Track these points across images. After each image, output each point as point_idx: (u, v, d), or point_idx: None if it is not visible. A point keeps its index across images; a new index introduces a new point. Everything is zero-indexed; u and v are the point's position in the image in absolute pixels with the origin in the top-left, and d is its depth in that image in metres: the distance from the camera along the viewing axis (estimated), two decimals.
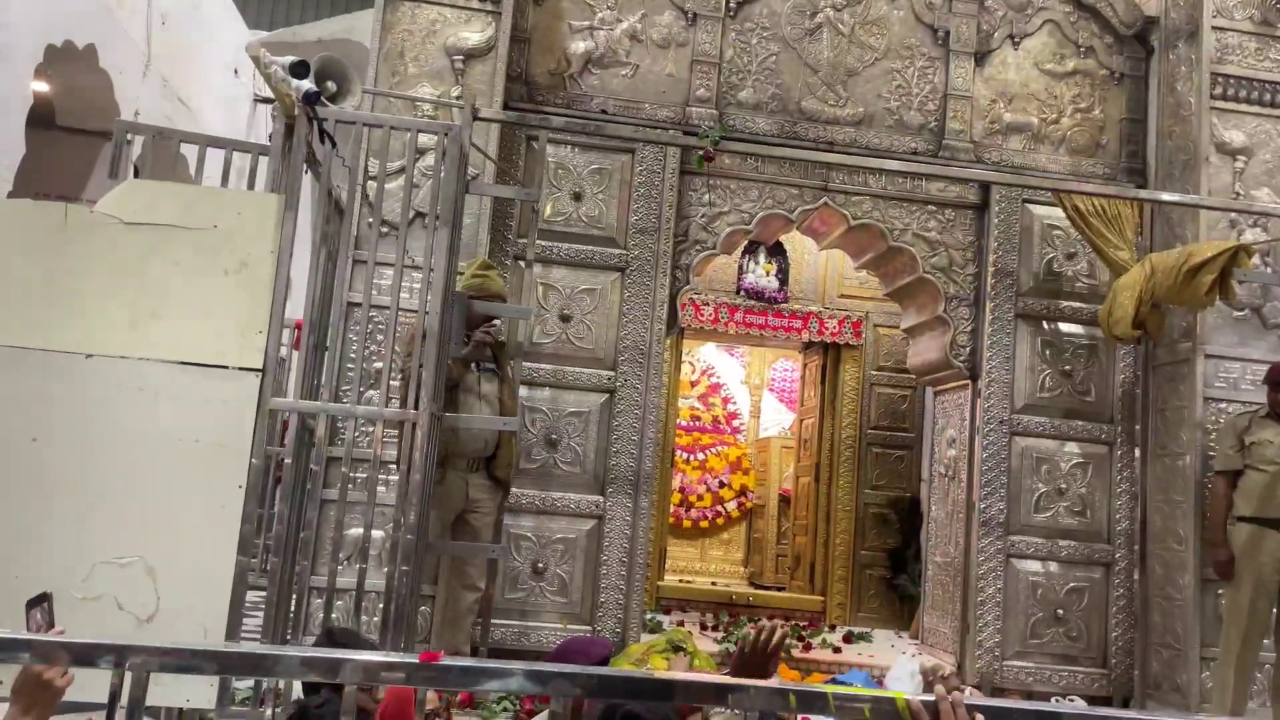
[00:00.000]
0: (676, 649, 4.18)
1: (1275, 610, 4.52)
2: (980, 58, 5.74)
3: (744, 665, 1.88)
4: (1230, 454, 4.69)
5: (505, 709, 4.11)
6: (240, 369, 3.43)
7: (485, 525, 4.45)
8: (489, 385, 4.42)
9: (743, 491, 9.83)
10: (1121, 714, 3.62)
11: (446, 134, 3.71)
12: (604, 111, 5.41)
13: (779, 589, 8.22)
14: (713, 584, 8.59)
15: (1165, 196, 5.16)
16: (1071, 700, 5.14)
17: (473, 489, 4.37)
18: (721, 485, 9.86)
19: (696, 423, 10.32)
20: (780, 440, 9.79)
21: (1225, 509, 4.66)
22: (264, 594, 3.65)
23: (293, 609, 3.75)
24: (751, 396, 10.79)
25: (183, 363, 3.40)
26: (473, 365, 4.37)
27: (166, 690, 3.24)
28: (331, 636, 3.15)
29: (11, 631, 1.72)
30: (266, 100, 8.96)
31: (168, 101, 8.36)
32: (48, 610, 2.09)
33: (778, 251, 7.53)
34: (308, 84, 3.24)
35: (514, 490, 4.81)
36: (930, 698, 1.48)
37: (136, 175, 5.61)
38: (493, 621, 4.84)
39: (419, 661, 1.49)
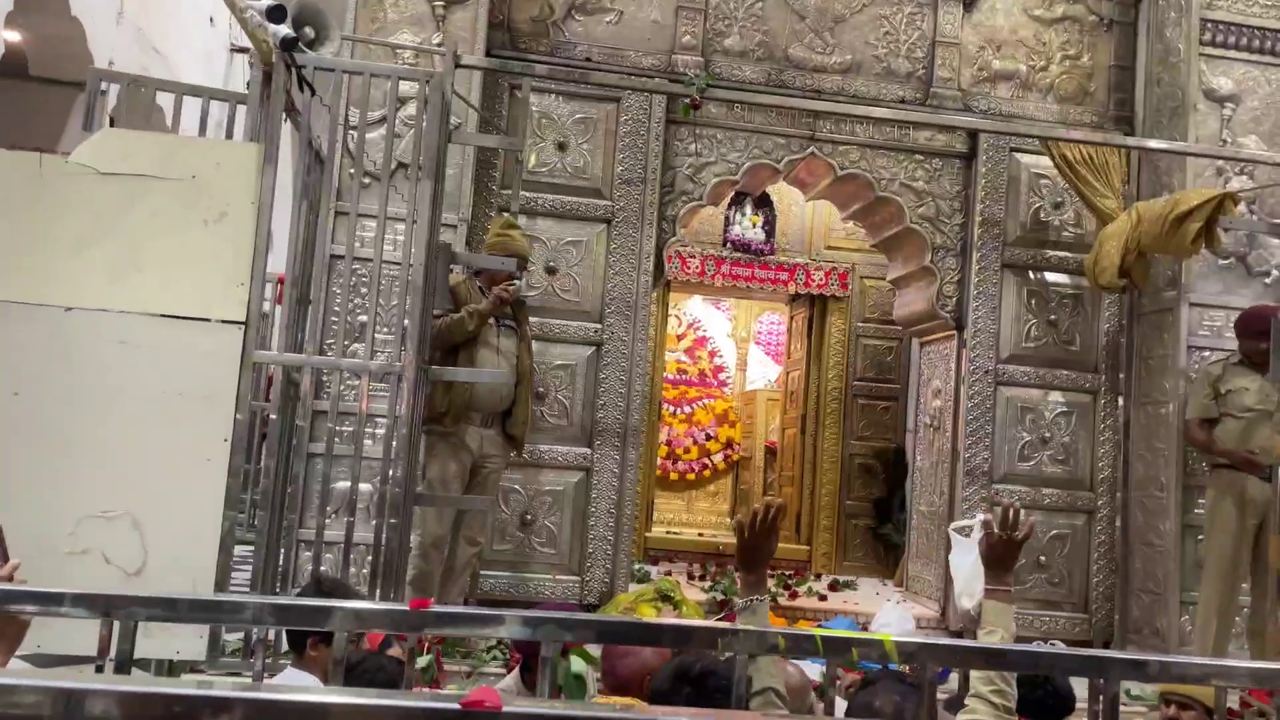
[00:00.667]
0: (665, 598, 4.22)
1: (1252, 555, 4.59)
2: (969, 3, 5.67)
3: (747, 548, 1.93)
4: (1206, 402, 4.71)
5: (495, 658, 4.15)
6: (223, 321, 3.39)
7: (494, 480, 4.51)
8: (507, 341, 4.42)
9: (729, 444, 9.87)
10: (1104, 654, 3.68)
11: (428, 82, 3.64)
12: (588, 59, 5.32)
13: None
14: (699, 535, 8.65)
15: (1152, 144, 5.13)
16: (1053, 644, 5.23)
17: (486, 444, 4.38)
18: (708, 438, 9.90)
19: (683, 376, 10.33)
20: (766, 393, 9.82)
21: (1209, 441, 4.69)
22: (252, 548, 3.64)
23: (281, 562, 3.76)
24: (738, 349, 10.80)
25: (164, 315, 3.36)
26: (492, 321, 4.36)
27: (156, 643, 3.24)
28: (320, 586, 3.16)
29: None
30: (243, 50, 8.77)
31: (143, 52, 8.17)
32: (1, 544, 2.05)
33: (764, 203, 7.48)
34: (285, 29, 3.16)
35: None
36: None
37: (112, 126, 5.49)
38: (482, 573, 4.88)
39: (409, 609, 1.49)
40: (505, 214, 4.62)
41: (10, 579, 1.85)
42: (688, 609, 4.29)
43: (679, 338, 10.54)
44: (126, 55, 7.80)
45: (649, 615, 4.11)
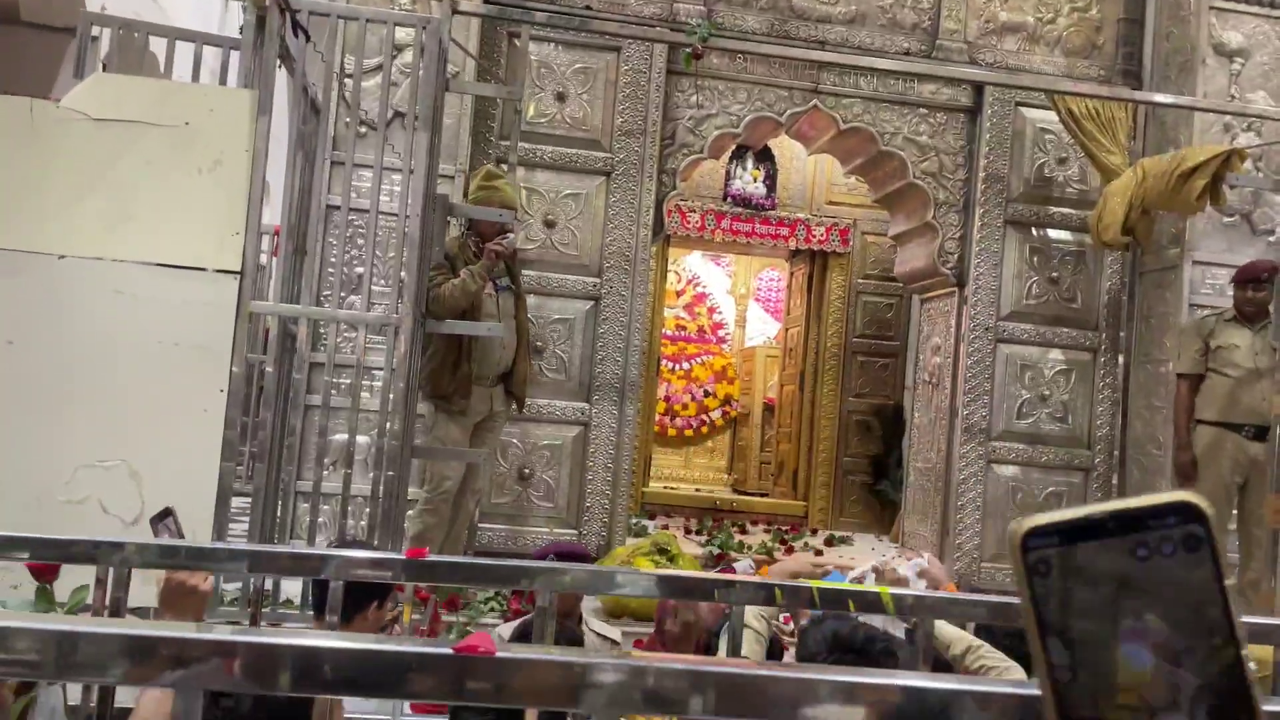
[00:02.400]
0: (661, 551, 4.24)
1: (1236, 511, 4.60)
2: None
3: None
4: (1195, 357, 4.66)
5: (492, 609, 4.17)
6: (218, 271, 3.36)
7: (495, 435, 4.51)
8: (505, 301, 4.30)
9: (727, 400, 9.89)
10: None
11: (425, 28, 3.57)
12: (588, 7, 5.22)
13: (762, 495, 8.33)
14: (696, 490, 8.69)
15: (1159, 98, 5.06)
16: None
17: (494, 401, 4.36)
18: (706, 394, 9.90)
19: (682, 332, 10.31)
20: (765, 349, 9.81)
21: (1189, 413, 4.68)
22: (249, 500, 3.64)
23: (278, 514, 3.76)
24: (737, 306, 10.76)
25: (159, 264, 3.32)
26: (489, 287, 4.21)
27: (153, 591, 3.26)
28: (344, 545, 3.17)
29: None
30: None
31: None
32: (175, 523, 2.12)
33: (765, 157, 7.40)
34: None
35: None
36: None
37: (105, 72, 5.40)
38: (480, 526, 4.89)
39: (406, 558, 1.48)
40: (488, 166, 4.53)
41: (205, 580, 1.90)
42: (684, 563, 4.31)
43: (678, 294, 10.50)
44: (119, 1, 7.66)
45: (646, 568, 4.13)
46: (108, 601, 1.66)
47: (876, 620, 2.19)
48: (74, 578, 2.12)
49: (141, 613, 2.20)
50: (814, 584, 1.51)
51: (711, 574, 1.55)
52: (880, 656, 1.70)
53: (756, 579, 1.51)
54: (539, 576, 1.43)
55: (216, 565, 2.19)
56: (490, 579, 1.79)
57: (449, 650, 0.71)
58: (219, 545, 2.46)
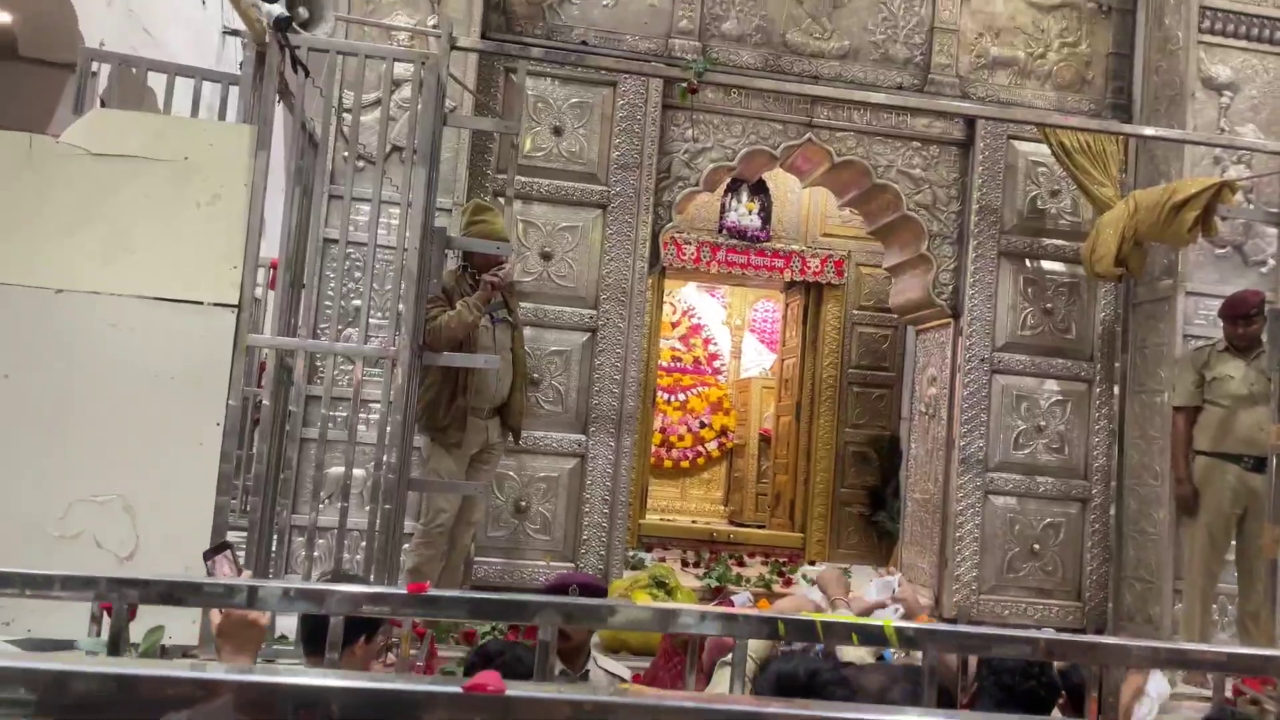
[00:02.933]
0: (660, 584, 4.21)
1: (1235, 543, 4.60)
2: None
3: None
4: (1191, 389, 4.69)
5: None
6: (215, 304, 3.36)
7: (491, 467, 4.50)
8: (502, 334, 4.30)
9: (723, 432, 9.88)
10: (1095, 640, 3.68)
11: (423, 63, 3.60)
12: (584, 43, 5.28)
13: (759, 527, 8.30)
14: (693, 522, 8.66)
15: (1149, 131, 5.12)
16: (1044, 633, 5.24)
17: (491, 434, 4.34)
18: (702, 425, 9.90)
19: (677, 364, 10.32)
20: (761, 380, 9.82)
21: (1186, 445, 4.70)
22: (244, 534, 3.62)
23: (274, 548, 3.73)
24: (732, 337, 10.78)
25: (156, 298, 3.33)
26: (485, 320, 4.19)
27: (145, 627, 3.23)
28: (339, 579, 3.14)
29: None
30: (235, 32, 8.70)
31: (134, 33, 8.08)
32: (233, 557, 2.14)
33: (760, 190, 7.45)
34: (278, 8, 3.12)
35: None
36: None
37: (103, 107, 5.44)
38: (476, 559, 4.86)
39: (407, 592, 1.47)
40: (476, 200, 4.55)
41: (263, 615, 1.91)
42: (682, 595, 4.28)
43: (673, 325, 10.52)
44: (118, 37, 7.72)
45: (643, 602, 4.10)
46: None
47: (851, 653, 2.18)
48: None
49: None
50: (817, 616, 1.50)
51: (713, 607, 1.54)
52: (828, 688, 1.71)
53: (760, 612, 1.50)
54: (541, 611, 1.42)
55: (213, 601, 2.17)
56: (490, 613, 1.77)
57: (458, 689, 0.70)
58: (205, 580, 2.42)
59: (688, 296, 10.71)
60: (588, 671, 2.94)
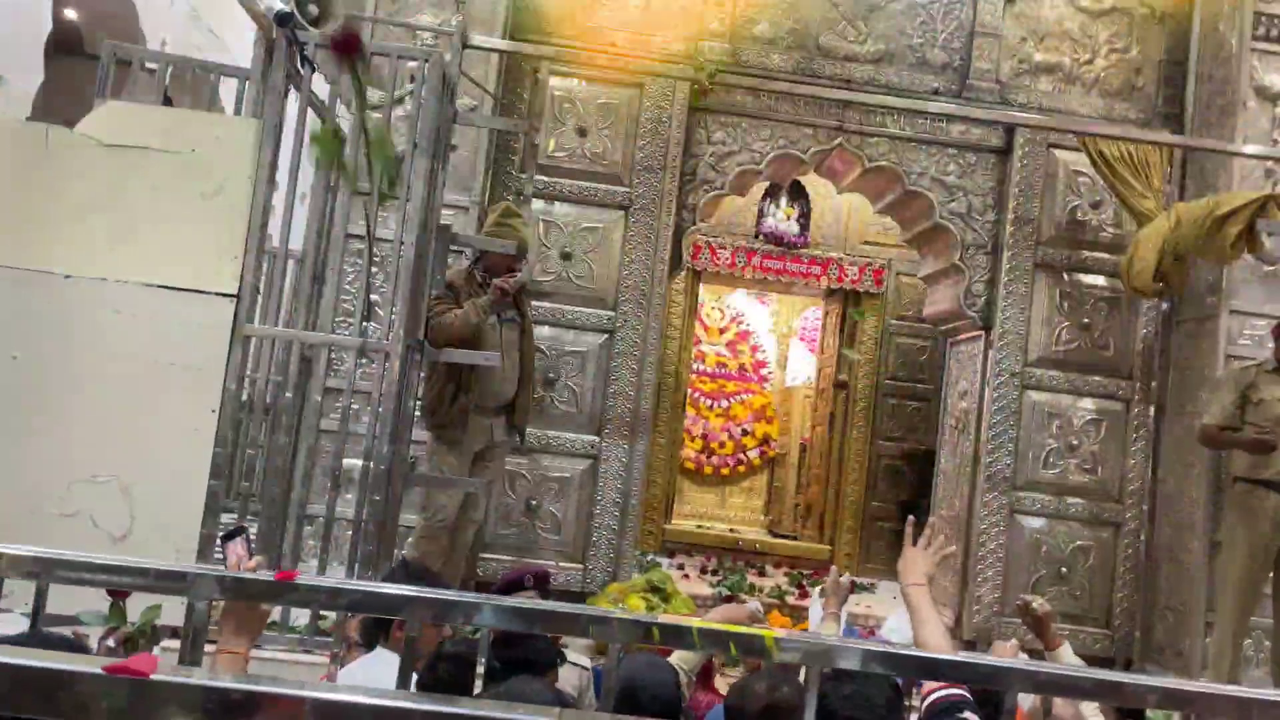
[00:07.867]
0: (655, 590, 4.16)
1: (1273, 575, 4.32)
2: None
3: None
4: (1229, 409, 4.35)
5: None
6: (215, 294, 3.43)
7: (499, 466, 4.51)
8: (509, 334, 4.31)
9: (765, 440, 9.75)
10: (1111, 675, 3.51)
11: (428, 60, 3.63)
12: (613, 44, 5.26)
13: (793, 538, 8.17)
14: (730, 530, 8.56)
15: (1190, 141, 4.90)
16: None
17: (495, 432, 4.36)
18: (744, 433, 9.78)
19: (723, 369, 10.21)
20: (805, 389, 9.66)
21: (1226, 436, 4.37)
22: (234, 517, 3.68)
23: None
24: (779, 345, 10.64)
25: (159, 286, 3.42)
26: (492, 317, 4.21)
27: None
28: (406, 568, 3.18)
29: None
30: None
31: (197, 32, 8.34)
32: (246, 541, 2.20)
33: (799, 195, 7.34)
34: (279, 4, 3.17)
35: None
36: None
37: (169, 103, 5.59)
38: (483, 556, 4.89)
39: (274, 580, 1.47)
40: (507, 202, 4.56)
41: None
42: (678, 602, 4.22)
43: (720, 330, 10.42)
44: (181, 35, 7.97)
45: (637, 608, 4.06)
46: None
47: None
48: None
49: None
50: (695, 622, 1.45)
51: (585, 608, 1.50)
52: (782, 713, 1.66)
53: (636, 616, 1.45)
54: (405, 607, 1.40)
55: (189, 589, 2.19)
56: (355, 605, 1.75)
57: (99, 669, 0.68)
58: (191, 569, 2.46)
59: (736, 302, 10.60)
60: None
